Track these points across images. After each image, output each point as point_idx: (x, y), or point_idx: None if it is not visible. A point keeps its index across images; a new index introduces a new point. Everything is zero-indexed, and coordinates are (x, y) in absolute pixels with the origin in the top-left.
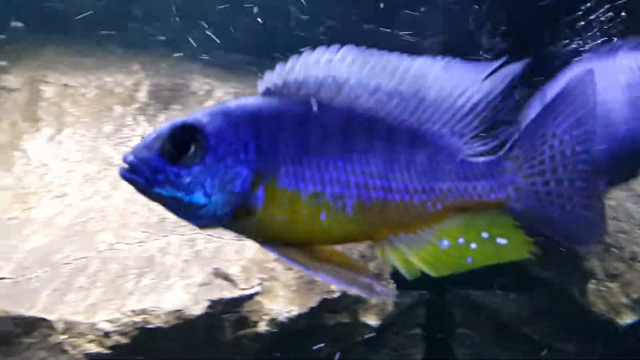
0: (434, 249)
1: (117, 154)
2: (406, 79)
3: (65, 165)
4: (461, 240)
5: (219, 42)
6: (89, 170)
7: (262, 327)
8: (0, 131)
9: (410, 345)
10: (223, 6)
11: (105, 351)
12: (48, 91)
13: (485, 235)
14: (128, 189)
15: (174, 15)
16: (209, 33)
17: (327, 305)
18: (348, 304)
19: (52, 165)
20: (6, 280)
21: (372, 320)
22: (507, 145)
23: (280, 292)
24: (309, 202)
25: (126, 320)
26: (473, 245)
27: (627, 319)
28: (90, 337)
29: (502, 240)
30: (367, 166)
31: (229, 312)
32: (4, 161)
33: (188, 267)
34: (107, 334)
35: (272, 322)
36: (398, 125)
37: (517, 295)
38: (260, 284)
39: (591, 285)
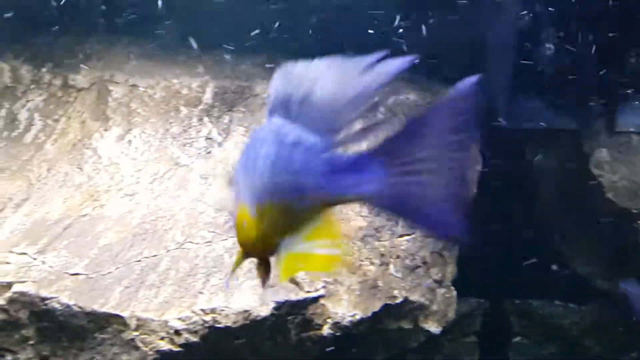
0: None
1: (183, 154)
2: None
3: (134, 164)
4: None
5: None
6: (157, 169)
7: (326, 330)
8: (70, 130)
9: (465, 352)
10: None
11: (176, 349)
12: (116, 91)
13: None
14: (195, 189)
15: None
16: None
17: (389, 311)
18: (410, 309)
19: (122, 164)
20: (80, 276)
21: (432, 327)
22: (378, 141)
23: (344, 296)
24: None
25: (196, 319)
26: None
27: None
28: (162, 334)
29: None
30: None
31: (293, 314)
32: (75, 160)
33: (254, 268)
34: (177, 332)
35: (336, 325)
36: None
37: (577, 306)
38: (324, 287)
39: None
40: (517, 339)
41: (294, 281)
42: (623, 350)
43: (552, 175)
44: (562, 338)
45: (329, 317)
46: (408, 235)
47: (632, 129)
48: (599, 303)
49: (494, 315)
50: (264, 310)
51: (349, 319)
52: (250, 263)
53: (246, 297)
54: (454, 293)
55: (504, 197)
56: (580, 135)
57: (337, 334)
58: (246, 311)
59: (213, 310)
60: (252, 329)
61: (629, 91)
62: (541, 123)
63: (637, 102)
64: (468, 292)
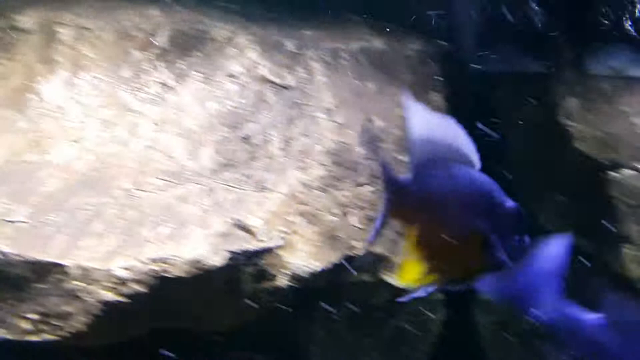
0: None
1: (134, 100)
2: None
3: (81, 109)
4: None
5: None
6: (107, 115)
7: (282, 280)
8: (13, 73)
9: (431, 310)
10: None
11: (122, 299)
12: (64, 33)
13: None
14: (147, 135)
15: None
16: None
17: (349, 262)
18: (372, 261)
19: (68, 109)
20: (20, 224)
21: (394, 280)
22: None
23: (301, 247)
24: None
25: (144, 268)
26: None
27: None
28: (106, 284)
29: None
30: None
31: (248, 264)
32: (17, 104)
33: (207, 216)
34: (123, 282)
35: (292, 276)
36: None
37: None
38: (281, 237)
39: (626, 250)
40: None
41: (248, 230)
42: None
43: (520, 123)
44: None
45: (285, 268)
46: (371, 185)
47: (601, 72)
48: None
49: None
50: (217, 260)
51: (306, 269)
52: (204, 212)
53: (198, 246)
54: None
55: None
56: (550, 81)
57: (294, 285)
58: (198, 261)
59: (162, 260)
60: (204, 279)
61: (598, 33)
62: (509, 67)
63: (606, 45)
64: None
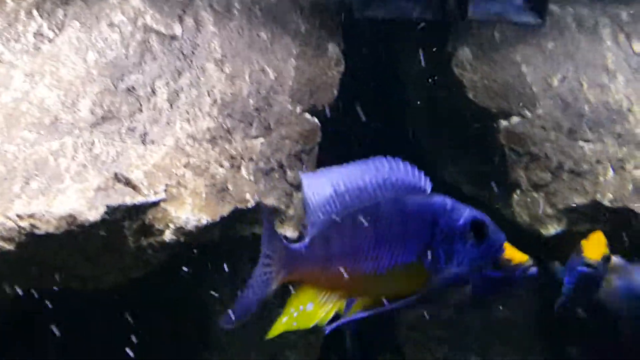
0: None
1: (6, 50)
2: None
3: None
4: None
5: None
6: None
7: (168, 235)
8: None
9: None
10: None
11: None
12: None
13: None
14: (19, 87)
15: None
16: None
17: (240, 215)
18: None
19: None
20: None
21: (289, 232)
22: None
23: (188, 200)
24: None
25: (11, 224)
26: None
27: (552, 229)
28: None
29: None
30: None
31: (130, 219)
32: None
33: (84, 171)
34: None
35: (179, 230)
36: None
37: None
38: (165, 190)
39: (516, 197)
40: None
41: (130, 184)
42: None
43: (413, 73)
44: None
45: (171, 222)
46: (263, 137)
47: (484, 18)
48: None
49: None
50: (93, 215)
51: (194, 223)
52: (80, 166)
53: (72, 201)
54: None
55: (367, 97)
56: (443, 31)
57: (182, 240)
58: (71, 216)
59: (31, 216)
60: (80, 236)
61: None
62: (398, 13)
63: None
64: None
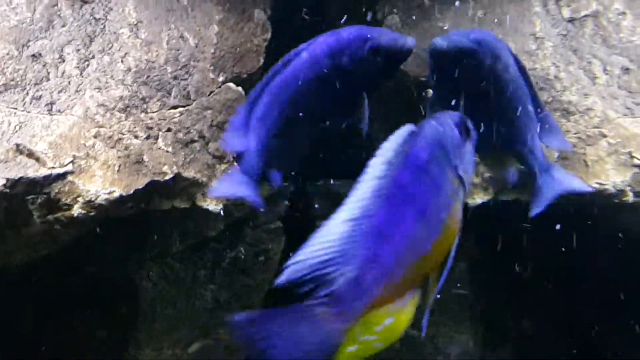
0: None
1: None
2: None
3: None
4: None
5: None
6: None
7: (77, 209)
8: None
9: (270, 239)
10: None
11: None
12: None
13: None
14: None
15: None
16: None
17: (157, 188)
18: (184, 187)
19: None
20: None
21: (211, 205)
22: None
23: (99, 172)
24: None
25: None
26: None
27: (478, 199)
28: None
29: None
30: None
31: (34, 194)
32: None
33: None
34: None
35: (89, 204)
36: None
37: None
38: (73, 162)
39: None
40: (322, 221)
41: (33, 156)
42: None
43: None
44: None
45: (80, 196)
46: (182, 107)
47: None
48: None
49: (298, 199)
50: None
51: (105, 196)
52: None
53: None
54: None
55: None
56: None
57: (92, 214)
58: None
59: None
60: None
61: None
62: None
63: None
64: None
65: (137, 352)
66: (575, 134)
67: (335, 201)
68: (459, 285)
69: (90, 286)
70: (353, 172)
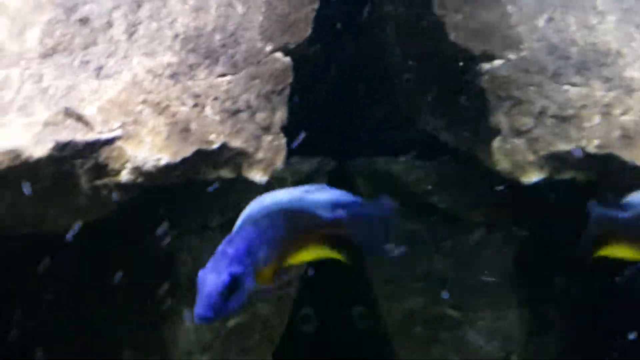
0: None
1: None
2: None
3: None
4: None
5: None
6: None
7: (124, 175)
8: None
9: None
10: None
11: None
12: None
13: None
14: None
15: None
16: None
17: (204, 157)
18: (230, 157)
19: None
20: None
21: (257, 176)
22: None
23: (146, 139)
24: None
25: None
26: None
27: (533, 177)
28: None
29: None
30: None
31: (82, 158)
32: None
33: (31, 104)
34: None
35: (137, 170)
36: None
37: (422, 162)
38: (121, 128)
39: (496, 143)
40: None
41: (82, 120)
42: (471, 207)
43: (393, 13)
44: (408, 196)
45: (128, 162)
46: (230, 75)
47: None
48: (445, 158)
49: (338, 175)
50: (40, 151)
51: (153, 163)
52: (26, 99)
53: (16, 135)
54: (283, 141)
55: (343, 38)
56: None
57: (140, 180)
58: (14, 151)
59: None
60: (25, 174)
61: None
62: None
63: None
64: (308, 150)
65: (175, 325)
66: (638, 111)
67: (374, 178)
68: (486, 272)
69: (130, 257)
70: (393, 149)
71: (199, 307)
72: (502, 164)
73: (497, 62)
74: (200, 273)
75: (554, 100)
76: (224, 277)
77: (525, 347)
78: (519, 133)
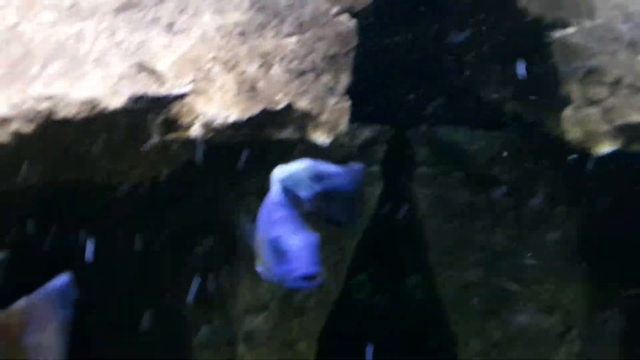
0: None
1: None
2: None
3: None
4: None
5: None
6: None
7: (195, 131)
8: None
9: (368, 182)
10: None
11: (4, 140)
12: None
13: None
14: None
15: None
16: None
17: (270, 117)
18: (295, 117)
19: None
20: None
21: (321, 138)
22: None
23: (216, 95)
24: None
25: (28, 106)
26: None
27: (606, 147)
28: None
29: None
30: None
31: (154, 112)
32: None
33: (106, 57)
34: (5, 120)
35: (206, 126)
36: None
37: (485, 132)
38: (192, 83)
39: (567, 113)
40: (422, 168)
41: (154, 74)
42: (534, 179)
43: None
44: (468, 166)
45: (198, 117)
46: (296, 35)
47: None
48: (509, 128)
49: (397, 144)
50: (116, 102)
51: (222, 120)
52: (102, 52)
53: (93, 87)
54: (347, 104)
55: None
56: None
57: (209, 136)
58: (92, 101)
59: (50, 98)
60: (100, 123)
61: None
62: None
63: None
64: (368, 117)
65: (233, 285)
66: None
67: (433, 147)
68: (530, 254)
69: (193, 214)
70: (455, 118)
71: (305, 267)
72: (574, 133)
73: (570, 30)
74: (281, 237)
75: (630, 69)
76: (313, 235)
77: (587, 323)
78: (592, 102)
